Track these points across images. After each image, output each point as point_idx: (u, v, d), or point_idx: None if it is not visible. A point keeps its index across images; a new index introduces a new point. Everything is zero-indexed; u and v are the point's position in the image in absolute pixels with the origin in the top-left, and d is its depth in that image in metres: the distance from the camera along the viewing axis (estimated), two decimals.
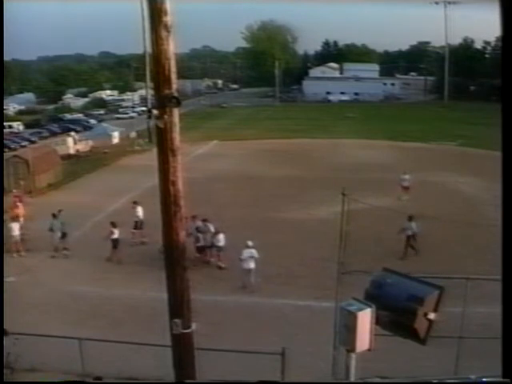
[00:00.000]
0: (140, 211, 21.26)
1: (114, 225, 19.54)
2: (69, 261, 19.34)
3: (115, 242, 19.30)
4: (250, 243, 16.82)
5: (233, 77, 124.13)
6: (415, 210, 21.16)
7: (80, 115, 74.57)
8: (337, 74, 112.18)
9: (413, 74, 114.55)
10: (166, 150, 6.50)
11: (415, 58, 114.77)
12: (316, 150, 42.21)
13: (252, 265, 16.55)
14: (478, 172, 31.74)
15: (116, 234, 19.35)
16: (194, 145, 40.33)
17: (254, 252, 16.64)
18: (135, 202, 21.83)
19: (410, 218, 19.26)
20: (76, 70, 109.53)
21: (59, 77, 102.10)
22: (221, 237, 18.40)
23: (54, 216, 20.43)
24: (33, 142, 49.70)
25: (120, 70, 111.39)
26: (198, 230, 18.64)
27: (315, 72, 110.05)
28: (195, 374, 7.51)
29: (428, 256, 18.51)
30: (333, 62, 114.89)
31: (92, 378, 10.05)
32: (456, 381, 7.95)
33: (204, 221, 19.00)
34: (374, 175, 30.92)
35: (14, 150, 41.76)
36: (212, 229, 18.86)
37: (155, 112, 6.31)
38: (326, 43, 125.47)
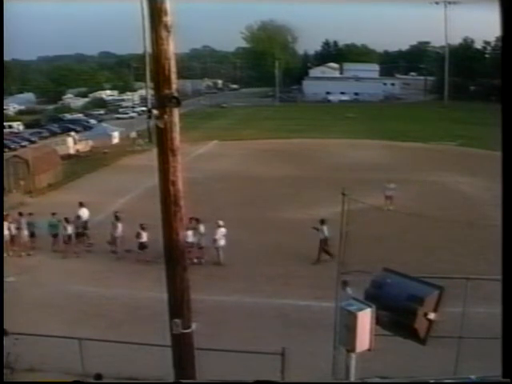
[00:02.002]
0: (85, 212, 21.54)
1: (67, 221, 20.08)
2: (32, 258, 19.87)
3: (68, 238, 20.02)
4: (221, 223, 18.90)
5: (233, 77, 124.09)
6: (414, 209, 21.17)
7: (80, 115, 74.48)
8: (337, 74, 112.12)
9: (413, 74, 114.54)
10: (166, 150, 6.50)
11: (415, 58, 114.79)
12: (316, 150, 42.19)
13: (223, 242, 18.73)
14: (477, 172, 31.76)
15: (69, 230, 19.95)
16: (194, 145, 40.33)
17: (224, 231, 18.79)
18: (81, 204, 21.93)
19: (322, 222, 19.00)
20: (76, 70, 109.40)
21: (59, 77, 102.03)
22: (189, 233, 18.60)
23: (21, 215, 20.69)
24: (33, 142, 49.61)
25: (120, 69, 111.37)
26: (141, 227, 19.34)
27: (315, 72, 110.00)
28: (195, 373, 7.51)
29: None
30: (333, 62, 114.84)
31: (93, 377, 10.06)
32: (455, 381, 7.95)
33: (196, 220, 19.10)
34: (374, 175, 30.88)
35: (14, 149, 41.68)
36: (202, 229, 18.97)
37: (155, 112, 6.31)
38: (326, 43, 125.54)
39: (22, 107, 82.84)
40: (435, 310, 5.76)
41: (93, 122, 66.11)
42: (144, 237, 19.15)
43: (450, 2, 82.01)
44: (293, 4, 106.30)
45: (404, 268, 6.73)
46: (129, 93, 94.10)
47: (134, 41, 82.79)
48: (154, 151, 6.86)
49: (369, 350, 5.73)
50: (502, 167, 5.66)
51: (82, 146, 44.53)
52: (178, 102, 6.35)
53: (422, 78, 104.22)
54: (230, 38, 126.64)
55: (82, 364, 11.52)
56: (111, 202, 26.17)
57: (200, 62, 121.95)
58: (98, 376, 9.87)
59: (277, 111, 78.70)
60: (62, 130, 55.77)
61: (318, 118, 65.88)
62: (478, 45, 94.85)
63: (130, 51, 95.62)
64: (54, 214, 20.54)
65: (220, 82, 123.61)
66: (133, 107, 79.85)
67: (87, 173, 35.67)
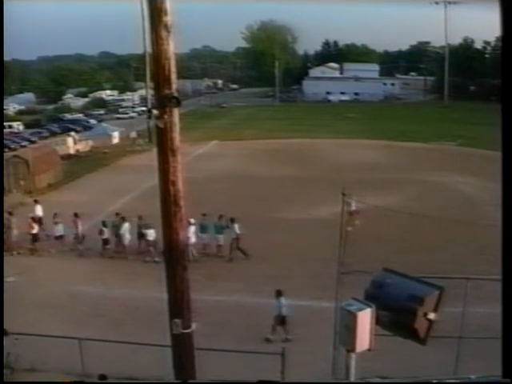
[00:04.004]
0: (39, 209, 22.37)
1: (34, 220, 20.78)
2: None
3: (35, 237, 20.52)
4: (192, 221, 18.57)
5: (233, 77, 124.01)
6: (414, 208, 21.18)
7: (80, 115, 74.47)
8: (337, 74, 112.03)
9: (413, 74, 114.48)
10: (166, 150, 6.49)
11: (415, 58, 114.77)
12: (316, 150, 42.21)
13: (194, 239, 18.99)
14: (477, 172, 31.79)
15: (36, 229, 20.53)
16: (194, 145, 40.32)
17: (194, 228, 19.13)
18: (36, 201, 23.02)
19: (232, 220, 19.46)
20: (76, 70, 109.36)
21: (59, 77, 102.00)
22: (151, 232, 19.10)
23: (10, 214, 21.15)
24: (33, 142, 49.62)
25: (120, 69, 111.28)
26: (103, 224, 20.31)
27: (315, 72, 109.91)
28: (195, 373, 7.50)
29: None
30: (333, 62, 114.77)
31: (97, 377, 10.05)
32: (456, 381, 7.95)
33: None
34: (375, 175, 30.94)
35: (14, 149, 41.69)
36: None
37: (155, 112, 6.30)
38: (326, 43, 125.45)
39: (22, 107, 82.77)
40: (435, 310, 5.75)
41: (93, 121, 66.09)
42: (106, 233, 20.00)
43: (450, 2, 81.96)
44: (293, 4, 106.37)
45: (403, 268, 6.72)
46: (129, 93, 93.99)
47: (134, 41, 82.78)
48: (154, 151, 6.85)
49: (369, 350, 5.73)
50: (502, 167, 5.66)
51: (82, 146, 44.57)
52: (178, 102, 6.33)
53: (421, 78, 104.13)
54: (230, 38, 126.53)
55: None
56: (111, 201, 26.19)
57: (200, 62, 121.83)
58: (103, 377, 9.85)
59: (277, 111, 78.69)
60: (62, 130, 55.77)
61: (318, 118, 65.86)
62: (478, 45, 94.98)
63: (130, 51, 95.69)
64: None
65: (220, 81, 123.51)
66: (133, 107, 79.79)
67: (87, 173, 35.68)
